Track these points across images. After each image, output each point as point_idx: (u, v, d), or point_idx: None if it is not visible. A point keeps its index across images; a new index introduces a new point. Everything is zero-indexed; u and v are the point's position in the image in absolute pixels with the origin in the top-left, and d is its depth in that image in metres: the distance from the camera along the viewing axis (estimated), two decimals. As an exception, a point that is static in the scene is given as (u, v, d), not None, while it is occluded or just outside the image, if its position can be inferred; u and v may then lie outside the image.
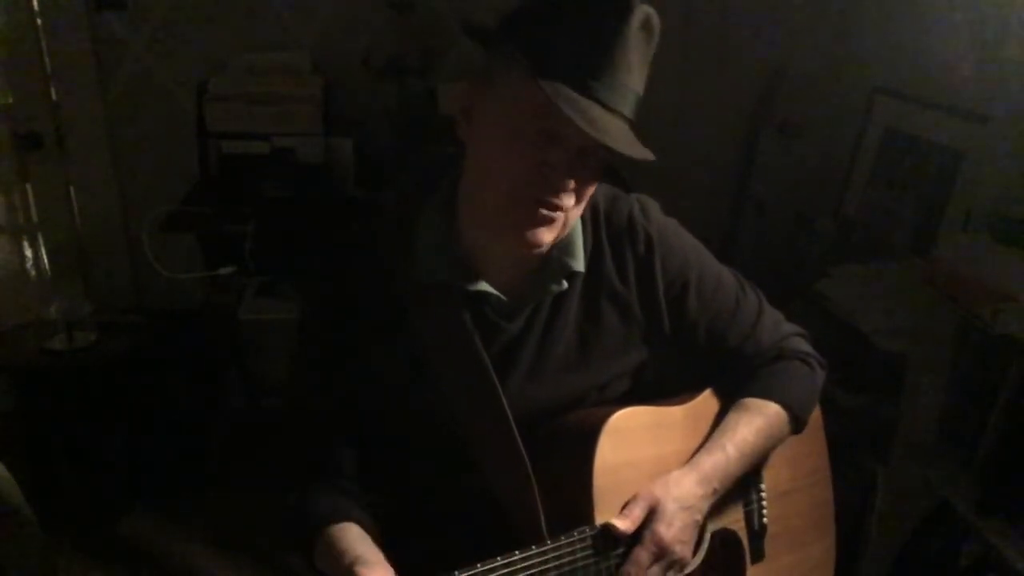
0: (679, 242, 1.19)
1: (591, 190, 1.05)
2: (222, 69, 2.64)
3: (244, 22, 2.69)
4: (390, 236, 1.13)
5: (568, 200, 1.01)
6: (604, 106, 0.96)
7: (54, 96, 2.66)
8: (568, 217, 1.04)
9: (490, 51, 1.03)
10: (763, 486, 1.26)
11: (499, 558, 0.96)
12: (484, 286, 1.09)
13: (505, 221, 1.02)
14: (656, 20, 0.99)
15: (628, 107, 0.99)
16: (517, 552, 0.98)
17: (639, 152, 0.97)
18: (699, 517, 1.11)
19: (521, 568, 0.98)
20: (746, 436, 1.17)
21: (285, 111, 2.54)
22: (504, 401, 1.08)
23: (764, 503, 1.26)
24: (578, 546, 1.03)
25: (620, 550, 1.06)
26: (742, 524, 1.24)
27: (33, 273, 2.80)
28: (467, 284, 1.08)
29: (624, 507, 1.07)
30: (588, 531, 1.04)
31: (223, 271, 2.53)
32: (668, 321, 1.18)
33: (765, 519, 1.26)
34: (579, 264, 1.12)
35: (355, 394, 1.10)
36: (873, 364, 1.94)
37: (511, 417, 1.08)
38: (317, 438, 1.13)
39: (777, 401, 1.21)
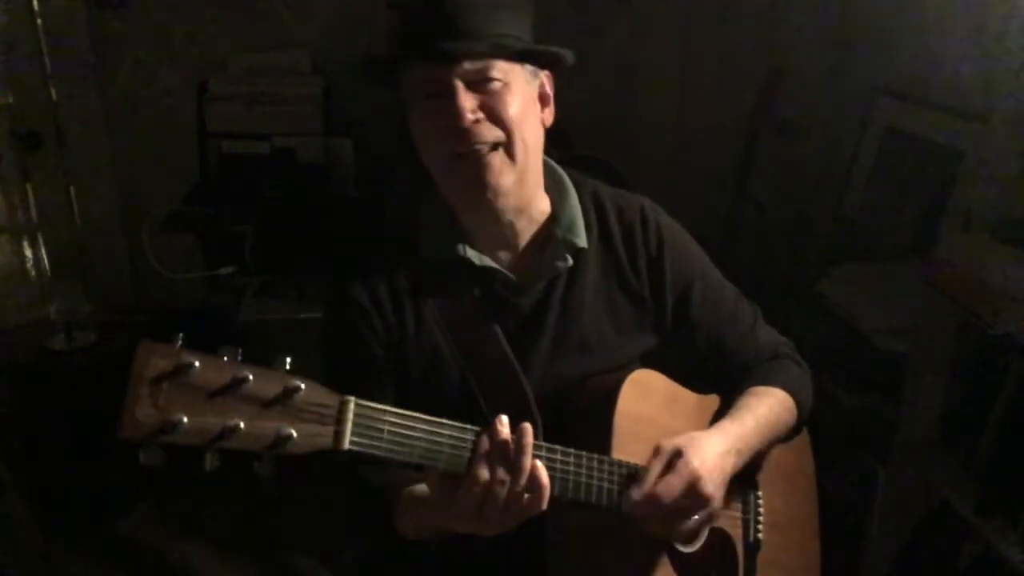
0: (686, 243, 1.26)
1: (511, 110, 1.07)
2: (222, 69, 2.65)
3: (244, 22, 2.69)
4: (394, 227, 1.20)
5: (486, 131, 1.06)
6: (458, 39, 1.03)
7: (54, 96, 2.66)
8: (514, 148, 1.08)
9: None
10: (760, 498, 1.26)
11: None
12: (489, 262, 1.15)
13: (458, 191, 1.11)
14: None
15: (496, 27, 1.05)
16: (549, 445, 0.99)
17: (512, 44, 1.05)
18: (727, 469, 1.10)
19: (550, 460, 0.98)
20: (761, 411, 1.19)
21: (285, 111, 2.54)
22: (521, 375, 1.12)
23: (761, 516, 1.25)
24: (604, 466, 1.03)
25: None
26: (739, 531, 1.24)
27: (33, 273, 2.79)
28: (472, 258, 1.14)
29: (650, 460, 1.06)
30: (608, 459, 1.04)
31: (223, 271, 2.53)
32: (671, 317, 1.23)
33: (760, 534, 1.25)
34: (582, 241, 1.17)
35: (393, 382, 1.14)
36: (873, 364, 1.94)
37: (531, 395, 1.12)
38: None
39: (782, 387, 1.24)
